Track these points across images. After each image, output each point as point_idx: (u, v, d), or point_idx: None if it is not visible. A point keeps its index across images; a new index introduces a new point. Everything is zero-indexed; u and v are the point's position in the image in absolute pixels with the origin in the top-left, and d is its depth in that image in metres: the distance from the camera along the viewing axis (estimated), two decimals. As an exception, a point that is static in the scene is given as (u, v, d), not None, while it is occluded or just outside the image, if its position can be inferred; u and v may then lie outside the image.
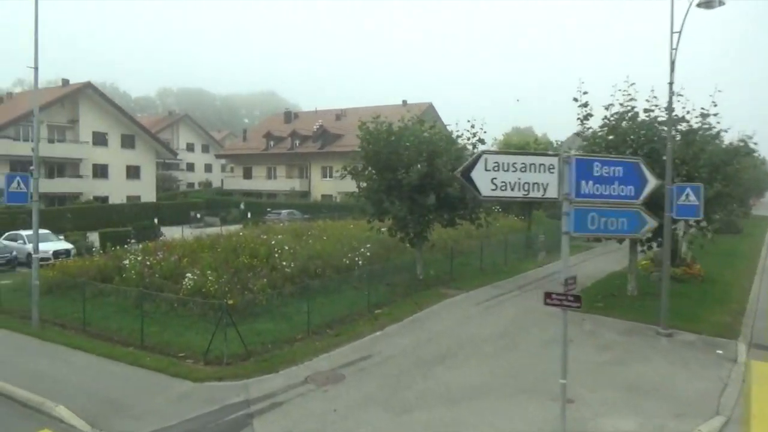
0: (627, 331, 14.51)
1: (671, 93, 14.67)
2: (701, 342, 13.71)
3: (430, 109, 56.62)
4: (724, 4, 13.80)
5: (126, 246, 21.97)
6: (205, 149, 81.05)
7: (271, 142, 60.88)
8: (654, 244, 18.32)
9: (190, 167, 77.52)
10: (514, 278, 21.94)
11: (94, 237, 29.09)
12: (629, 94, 17.58)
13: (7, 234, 28.24)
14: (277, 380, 11.07)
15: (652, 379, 11.06)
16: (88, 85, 50.02)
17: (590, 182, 8.34)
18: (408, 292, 18.56)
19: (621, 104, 17.74)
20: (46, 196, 43.21)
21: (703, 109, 17.23)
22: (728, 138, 19.78)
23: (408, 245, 21.35)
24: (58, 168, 47.76)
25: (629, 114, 17.67)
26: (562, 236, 8.41)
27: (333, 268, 19.28)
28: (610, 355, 12.60)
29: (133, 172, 53.19)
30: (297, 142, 59.10)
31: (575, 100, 18.04)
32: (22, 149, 42.62)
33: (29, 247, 19.41)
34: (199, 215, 46.52)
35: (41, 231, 21.24)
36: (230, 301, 12.83)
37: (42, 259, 21.32)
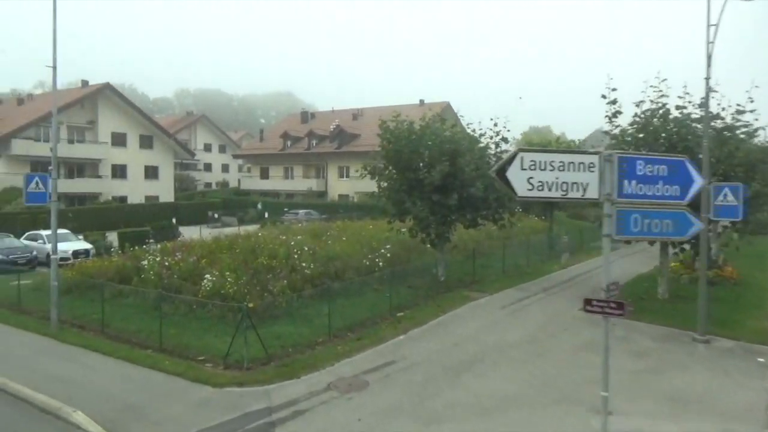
0: (661, 337, 13.91)
1: (708, 89, 14.06)
2: (740, 349, 13.09)
3: (447, 108, 56.04)
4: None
5: (144, 246, 21.82)
6: (222, 149, 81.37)
7: (288, 142, 60.80)
8: (686, 246, 17.66)
9: (208, 167, 77.86)
10: (538, 280, 21.38)
11: (113, 237, 29.08)
12: (660, 91, 16.97)
13: (27, 234, 28.38)
14: (299, 386, 10.71)
15: (693, 389, 10.50)
16: (107, 86, 50.34)
17: (633, 182, 7.85)
18: (430, 295, 18.13)
19: (652, 101, 17.13)
20: (66, 196, 43.54)
21: (738, 105, 16.57)
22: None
23: (428, 246, 20.93)
24: (78, 168, 48.12)
25: (660, 111, 17.05)
26: (603, 239, 7.92)
27: (353, 269, 18.91)
28: (646, 362, 12.04)
29: (151, 173, 53.43)
30: (314, 142, 58.92)
31: (603, 97, 17.49)
32: (43, 150, 42.90)
33: (49, 246, 19.35)
34: (216, 215, 46.53)
35: (61, 231, 21.24)
36: (250, 304, 12.50)
37: (61, 259, 21.35)
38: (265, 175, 63.32)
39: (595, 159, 7.76)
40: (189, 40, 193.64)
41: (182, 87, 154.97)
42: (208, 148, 79.00)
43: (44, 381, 10.95)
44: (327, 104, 78.70)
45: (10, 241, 26.20)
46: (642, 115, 17.22)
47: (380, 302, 16.54)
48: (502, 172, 7.68)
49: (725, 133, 16.72)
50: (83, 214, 39.39)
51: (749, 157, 16.53)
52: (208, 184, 74.50)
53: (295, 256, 18.22)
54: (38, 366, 11.94)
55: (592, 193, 7.76)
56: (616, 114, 17.60)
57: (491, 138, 20.69)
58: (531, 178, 7.68)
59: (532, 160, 7.69)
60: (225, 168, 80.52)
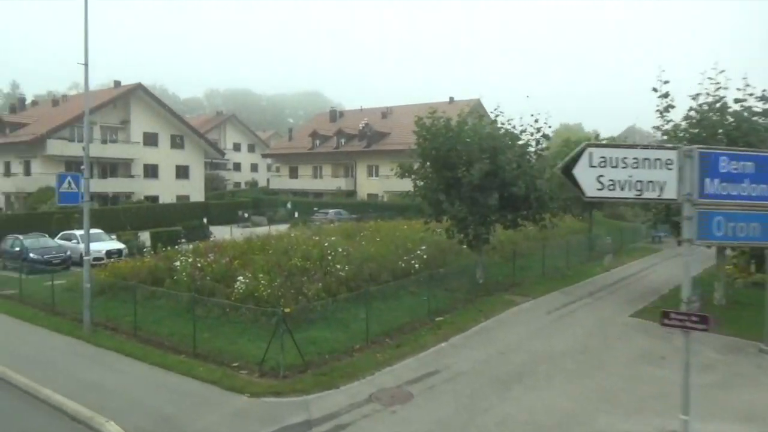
0: (725, 347, 12.91)
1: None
2: (813, 361, 12.02)
3: (478, 106, 55.00)
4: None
5: (177, 246, 21.57)
6: (251, 149, 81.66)
7: (317, 141, 60.54)
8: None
9: (237, 167, 78.21)
10: (581, 284, 20.43)
11: (145, 236, 29.05)
12: (718, 83, 15.89)
13: (61, 233, 28.53)
14: (339, 397, 10.12)
15: (769, 407, 9.56)
16: (139, 87, 50.73)
17: (716, 180, 7.03)
18: (469, 298, 17.39)
19: (708, 94, 16.07)
20: (99, 196, 44.01)
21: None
22: None
23: (464, 247, 20.20)
24: (110, 168, 48.60)
25: (718, 104, 15.97)
26: (684, 245, 7.10)
27: (388, 271, 18.27)
28: (713, 376, 11.10)
29: (182, 172, 53.73)
30: (343, 140, 58.52)
31: (654, 90, 16.51)
32: (77, 150, 43.33)
33: (83, 246, 19.16)
34: (246, 215, 46.46)
35: (94, 231, 21.14)
36: (286, 309, 11.96)
37: (95, 259, 21.26)
38: (294, 174, 63.22)
39: (673, 155, 6.97)
40: (218, 40, 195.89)
41: (212, 87, 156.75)
42: (237, 147, 79.36)
43: (76, 387, 10.61)
44: (354, 103, 78.20)
45: (45, 241, 26.33)
46: (698, 109, 16.16)
47: (418, 306, 15.89)
48: (568, 169, 6.95)
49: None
50: (115, 214, 39.66)
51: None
52: (237, 184, 74.82)
53: (329, 258, 17.68)
54: (70, 371, 11.63)
55: (670, 192, 6.96)
56: (668, 108, 16.59)
57: (531, 134, 19.82)
58: (601, 176, 6.92)
59: (602, 157, 6.93)
60: (254, 167, 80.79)
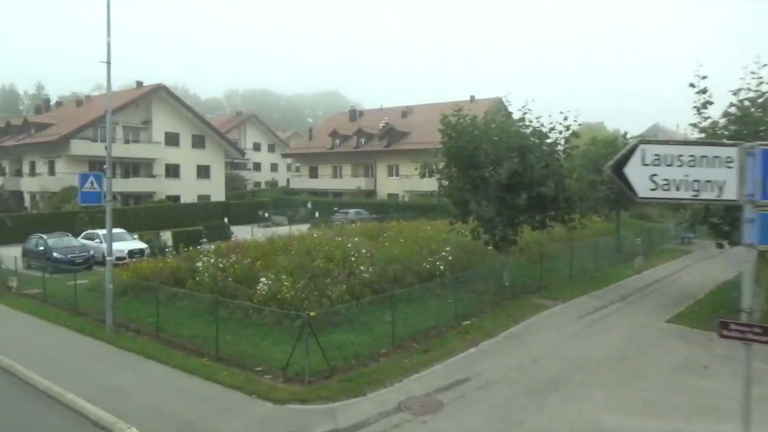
0: (772, 356, 12.21)
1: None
2: None
3: (499, 104, 54.24)
4: None
5: (198, 247, 21.41)
6: (271, 149, 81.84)
7: (337, 141, 60.32)
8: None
9: (257, 167, 78.43)
10: (612, 287, 19.77)
11: (166, 236, 29.04)
12: (761, 78, 15.13)
13: (84, 232, 28.65)
14: (366, 405, 9.72)
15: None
16: (161, 87, 51.04)
17: (782, 180, 6.46)
18: (496, 301, 16.88)
19: (750, 89, 15.32)
20: (122, 196, 44.32)
21: None
22: None
23: (489, 249, 19.67)
24: (133, 168, 48.96)
25: (760, 100, 15.23)
26: (744, 250, 6.53)
27: (413, 273, 17.84)
28: (762, 388, 10.44)
29: (203, 172, 53.95)
30: (362, 140, 58.20)
31: (692, 85, 15.80)
32: (100, 150, 43.74)
33: (105, 246, 19.14)
34: (267, 214, 46.42)
35: (116, 230, 21.08)
36: (312, 313, 11.61)
37: (117, 258, 21.21)
38: (313, 174, 63.10)
39: (733, 152, 6.41)
40: (237, 42, 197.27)
41: (232, 88, 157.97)
42: (257, 147, 79.59)
43: (98, 390, 10.39)
44: (372, 103, 78.05)
45: (68, 240, 26.42)
46: (738, 105, 15.43)
47: (444, 309, 15.45)
48: (619, 168, 6.44)
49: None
50: (137, 213, 39.87)
51: None
52: (257, 184, 75.04)
53: (353, 259, 17.32)
54: (92, 373, 11.43)
55: (730, 193, 6.40)
56: (706, 104, 15.87)
57: (560, 132, 19.17)
58: (654, 175, 6.40)
59: (656, 154, 6.40)
60: (274, 167, 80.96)
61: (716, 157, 6.43)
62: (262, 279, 15.40)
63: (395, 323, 13.05)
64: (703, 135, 16.00)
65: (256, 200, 54.40)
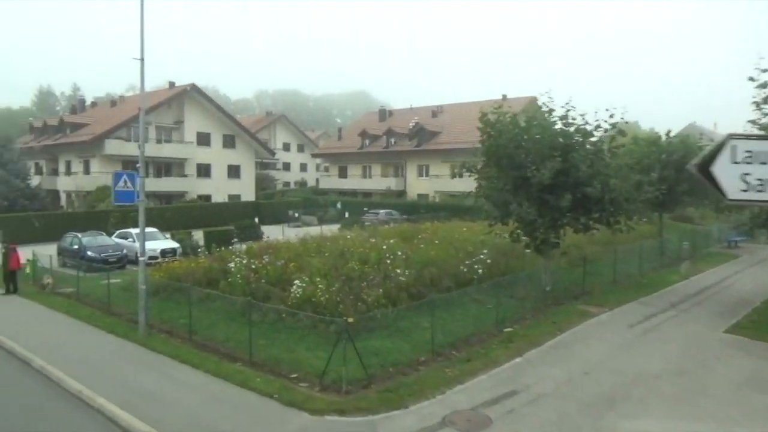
0: None
1: None
2: None
3: (533, 103, 53.06)
4: None
5: (230, 247, 21.17)
6: (301, 149, 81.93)
7: (367, 141, 59.91)
8: None
9: (286, 167, 78.59)
10: (660, 293, 18.76)
11: (198, 235, 28.98)
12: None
13: (118, 231, 28.79)
14: (409, 419, 9.14)
15: None
16: (193, 87, 51.36)
17: None
18: (537, 307, 16.13)
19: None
20: (154, 195, 44.66)
21: None
22: None
23: (528, 252, 18.88)
24: (165, 167, 49.39)
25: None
26: None
27: (449, 276, 17.20)
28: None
29: (233, 172, 54.14)
30: (392, 140, 57.65)
31: (752, 79, 14.86)
32: (133, 149, 44.19)
33: (138, 245, 19.07)
34: (296, 214, 46.26)
35: (149, 229, 20.97)
36: (350, 319, 11.09)
37: (150, 258, 21.11)
38: (343, 174, 62.82)
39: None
40: (266, 42, 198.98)
41: (261, 88, 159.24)
42: (286, 147, 79.75)
43: (130, 396, 10.06)
44: (401, 103, 77.50)
45: (102, 239, 26.51)
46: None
47: (483, 315, 14.78)
48: (705, 166, 5.75)
49: None
50: (169, 213, 40.12)
51: None
52: (287, 183, 75.18)
53: (388, 262, 16.77)
54: (125, 377, 11.12)
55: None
56: (768, 100, 14.89)
57: (605, 131, 18.27)
58: (747, 174, 5.67)
59: (748, 151, 5.67)
60: (303, 167, 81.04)
61: (819, 154, 5.68)
62: (296, 281, 14.97)
63: (434, 329, 12.45)
64: (763, 132, 15.02)
65: (285, 200, 54.38)
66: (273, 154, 64.99)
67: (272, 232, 31.42)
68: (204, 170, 51.59)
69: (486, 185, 18.04)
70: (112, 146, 45.09)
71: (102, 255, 24.39)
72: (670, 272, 22.64)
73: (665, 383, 10.58)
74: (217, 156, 52.50)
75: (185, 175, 49.84)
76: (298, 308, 13.81)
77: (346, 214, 44.36)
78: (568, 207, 16.38)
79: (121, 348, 13.18)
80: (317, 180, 72.96)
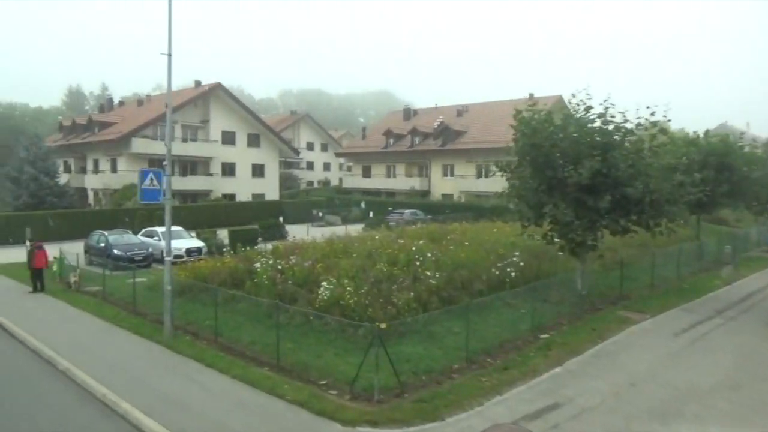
0: None
1: None
2: None
3: (560, 102, 51.94)
4: None
5: (255, 247, 20.87)
6: (324, 148, 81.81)
7: (391, 140, 59.34)
8: None
9: (310, 166, 78.54)
10: (702, 299, 17.89)
11: (223, 234, 28.84)
12: None
13: (144, 230, 28.78)
14: (446, 432, 8.63)
15: None
16: (219, 86, 51.47)
17: None
18: (574, 313, 15.44)
19: None
20: (180, 194, 44.82)
21: None
22: None
23: (562, 254, 18.17)
24: (190, 166, 49.58)
25: None
26: None
27: (480, 279, 16.59)
28: None
29: (258, 171, 54.13)
30: (417, 139, 57.00)
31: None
32: (159, 148, 44.37)
33: (164, 243, 18.94)
34: (320, 214, 46.02)
35: (174, 228, 20.75)
36: (382, 325, 10.60)
37: (176, 257, 20.88)
38: (366, 173, 62.38)
39: None
40: (291, 42, 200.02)
41: (285, 88, 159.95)
42: (310, 146, 79.70)
43: (155, 401, 9.73)
44: (424, 103, 76.80)
45: (128, 238, 26.50)
46: None
47: (518, 320, 14.17)
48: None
49: None
50: (194, 211, 40.17)
51: None
52: (310, 183, 75.13)
53: (417, 263, 16.26)
54: (150, 381, 10.80)
55: None
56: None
57: (646, 129, 17.46)
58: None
59: None
60: (326, 166, 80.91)
61: None
62: (324, 283, 14.54)
63: (468, 335, 11.90)
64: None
65: (309, 199, 54.21)
66: (297, 153, 64.91)
67: (297, 232, 31.14)
68: (229, 169, 51.66)
69: (519, 185, 17.39)
70: (139, 145, 45.39)
71: (128, 253, 24.35)
72: (710, 277, 21.67)
73: (720, 398, 9.86)
74: (242, 155, 52.54)
75: (210, 174, 49.98)
76: (326, 311, 13.39)
77: (371, 214, 43.93)
78: (608, 208, 15.66)
79: (146, 350, 12.91)
80: (340, 179, 72.69)
